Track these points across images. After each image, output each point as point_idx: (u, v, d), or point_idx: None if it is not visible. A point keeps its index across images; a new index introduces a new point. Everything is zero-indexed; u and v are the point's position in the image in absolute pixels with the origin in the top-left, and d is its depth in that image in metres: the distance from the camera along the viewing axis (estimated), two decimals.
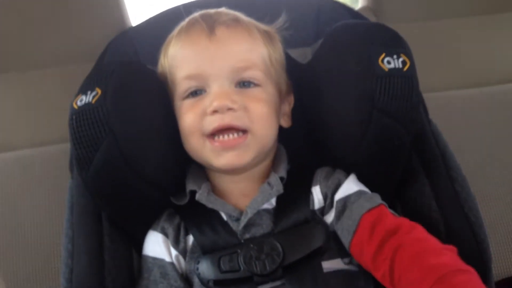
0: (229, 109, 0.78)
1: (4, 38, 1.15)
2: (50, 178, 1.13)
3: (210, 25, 0.82)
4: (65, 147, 0.94)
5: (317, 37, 0.99)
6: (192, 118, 0.81)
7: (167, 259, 0.82)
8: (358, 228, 0.76)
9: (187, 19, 0.87)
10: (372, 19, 1.22)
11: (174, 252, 0.83)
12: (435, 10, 1.27)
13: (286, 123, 0.89)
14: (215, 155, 0.80)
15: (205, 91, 0.81)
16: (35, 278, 1.06)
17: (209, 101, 0.79)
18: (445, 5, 1.27)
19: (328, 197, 0.82)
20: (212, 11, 0.87)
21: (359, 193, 0.81)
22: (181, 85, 0.83)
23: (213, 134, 0.79)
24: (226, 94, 0.79)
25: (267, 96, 0.83)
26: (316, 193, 0.83)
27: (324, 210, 0.82)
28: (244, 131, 0.80)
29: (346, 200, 0.80)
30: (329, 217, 0.81)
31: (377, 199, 0.80)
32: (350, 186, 0.82)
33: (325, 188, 0.83)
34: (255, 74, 0.82)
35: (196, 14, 0.87)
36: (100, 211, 0.88)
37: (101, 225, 0.87)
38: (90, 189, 0.84)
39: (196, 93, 0.82)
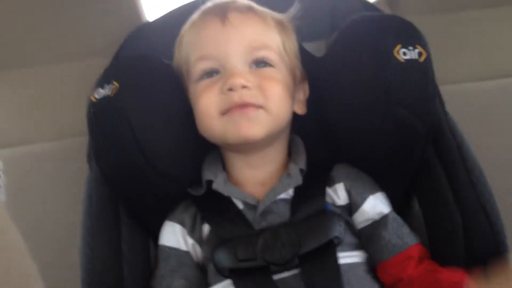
0: (244, 87, 0.79)
1: (21, 33, 1.17)
2: (67, 171, 1.14)
3: (223, 12, 0.83)
4: (82, 140, 0.96)
5: (332, 30, 0.99)
6: (207, 98, 0.81)
7: (183, 248, 0.83)
8: (405, 251, 0.79)
9: (200, 9, 0.88)
10: (388, 11, 1.21)
11: (190, 241, 0.83)
12: (450, 2, 1.26)
13: (300, 110, 0.89)
14: (228, 127, 0.79)
15: (219, 72, 0.82)
16: (52, 268, 1.08)
17: (224, 80, 0.80)
18: None
19: (356, 198, 0.83)
20: (225, 0, 0.88)
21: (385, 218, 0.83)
22: (196, 67, 0.83)
23: (228, 111, 0.80)
24: (241, 73, 0.80)
25: (281, 77, 0.84)
26: (340, 189, 0.84)
27: (351, 208, 0.83)
28: (259, 108, 0.80)
29: (387, 216, 0.83)
30: (359, 218, 0.83)
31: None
32: (378, 207, 0.84)
33: (349, 187, 0.84)
34: (269, 54, 0.83)
35: (209, 4, 0.88)
36: (117, 203, 0.89)
37: (119, 216, 0.88)
38: (108, 180, 0.86)
39: (211, 74, 0.83)
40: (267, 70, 0.83)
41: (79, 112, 0.87)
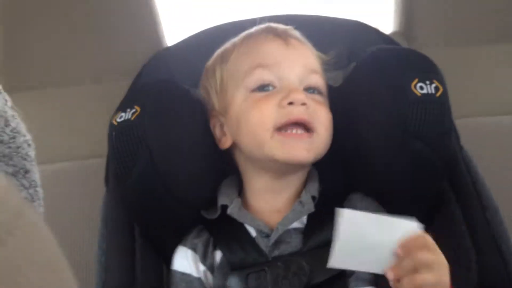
0: (303, 104, 0.80)
1: (44, 54, 1.20)
2: (84, 192, 1.15)
3: (284, 34, 0.86)
4: (100, 162, 0.97)
5: (349, 61, 1.00)
6: (263, 109, 0.80)
7: (195, 274, 0.83)
8: None
9: (251, 30, 0.90)
10: (404, 44, 1.22)
11: (202, 267, 0.83)
12: (467, 36, 1.27)
13: None
14: (281, 145, 0.79)
15: (274, 87, 0.82)
16: None
17: (284, 94, 0.80)
18: (477, 32, 1.27)
19: None
20: (279, 25, 0.90)
21: None
22: (253, 75, 0.83)
23: (281, 128, 0.80)
24: (301, 90, 0.81)
25: (327, 104, 0.86)
26: None
27: None
28: (310, 131, 0.81)
29: None
30: None
31: None
32: None
33: None
34: (321, 81, 0.85)
35: (263, 25, 0.90)
36: (133, 226, 0.90)
37: (134, 239, 0.89)
38: (125, 202, 0.87)
39: (265, 88, 0.82)
40: (318, 97, 0.84)
41: (98, 134, 0.89)
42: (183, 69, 0.97)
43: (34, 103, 1.22)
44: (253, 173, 0.87)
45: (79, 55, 1.19)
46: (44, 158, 1.23)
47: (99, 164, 0.99)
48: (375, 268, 0.67)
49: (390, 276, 0.65)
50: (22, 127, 0.50)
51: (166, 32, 1.25)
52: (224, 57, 0.88)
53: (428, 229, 0.89)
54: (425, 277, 0.64)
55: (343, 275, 0.77)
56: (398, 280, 0.65)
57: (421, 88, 0.81)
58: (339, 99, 0.92)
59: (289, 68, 0.82)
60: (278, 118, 0.79)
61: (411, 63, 0.85)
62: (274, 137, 0.79)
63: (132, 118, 0.83)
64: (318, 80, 0.85)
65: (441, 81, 0.83)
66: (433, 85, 0.82)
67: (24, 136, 0.51)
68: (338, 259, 0.65)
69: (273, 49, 0.84)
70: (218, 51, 0.91)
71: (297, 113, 0.79)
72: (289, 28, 0.89)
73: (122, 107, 0.86)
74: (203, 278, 0.83)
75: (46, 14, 1.16)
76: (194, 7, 1.78)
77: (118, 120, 0.84)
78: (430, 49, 0.92)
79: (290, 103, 0.79)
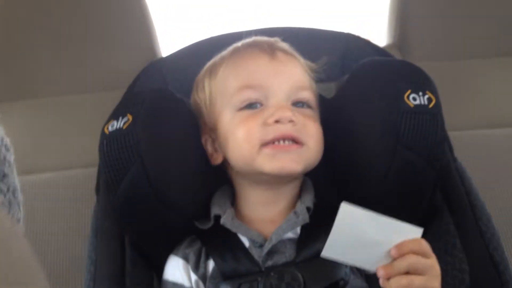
0: (291, 121, 0.80)
1: (37, 64, 1.20)
2: (75, 202, 1.14)
3: (271, 48, 0.85)
4: (92, 172, 0.97)
5: (343, 72, 1.00)
6: (250, 128, 0.80)
7: (187, 284, 0.82)
8: None
9: (238, 44, 0.89)
10: (398, 56, 1.23)
11: (194, 277, 0.82)
12: (460, 50, 1.29)
13: None
14: (269, 158, 0.79)
15: (261, 104, 0.82)
16: None
17: (270, 112, 0.80)
18: (471, 46, 1.28)
19: None
20: (265, 38, 0.90)
21: None
22: (239, 95, 0.82)
23: (271, 142, 0.79)
24: (288, 107, 0.81)
25: (317, 118, 0.85)
26: None
27: None
28: (299, 143, 0.80)
29: None
30: None
31: None
32: None
33: None
34: (309, 95, 0.85)
35: (250, 39, 0.89)
36: (123, 235, 0.89)
37: (124, 249, 0.88)
38: (116, 212, 0.86)
39: (253, 106, 0.82)
40: (307, 111, 0.84)
41: (90, 144, 0.88)
42: (177, 79, 0.97)
43: (27, 113, 1.22)
44: (245, 186, 0.87)
45: (73, 65, 1.19)
46: (36, 167, 1.23)
47: (91, 174, 0.98)
48: (368, 265, 0.68)
49: (380, 273, 0.67)
50: (1, 130, 0.50)
51: (161, 42, 1.25)
52: (212, 72, 0.89)
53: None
54: (413, 279, 0.65)
55: (336, 285, 0.77)
56: (388, 279, 0.67)
57: (414, 99, 0.82)
58: (332, 110, 0.92)
59: (276, 86, 0.82)
60: (264, 136, 0.79)
61: (404, 74, 0.86)
62: (262, 151, 0.80)
63: (124, 127, 0.83)
64: (306, 95, 0.84)
65: (434, 92, 0.83)
66: (426, 96, 0.82)
67: (2, 139, 0.50)
68: (331, 250, 0.66)
69: (259, 67, 0.84)
70: (207, 65, 0.91)
71: (284, 130, 0.79)
72: (275, 40, 0.89)
73: (114, 116, 0.86)
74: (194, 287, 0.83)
75: (40, 24, 1.16)
76: (189, 19, 1.79)
77: (110, 128, 0.84)
78: (423, 63, 0.93)
79: (277, 121, 0.79)
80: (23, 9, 1.14)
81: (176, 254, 0.85)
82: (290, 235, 0.82)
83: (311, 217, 0.83)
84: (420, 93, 0.82)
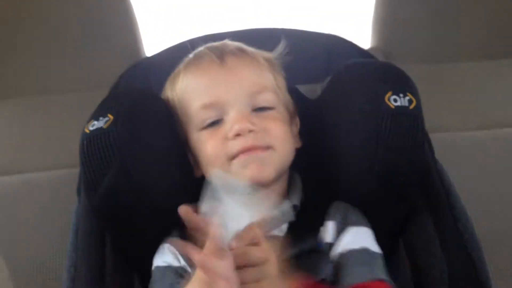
0: (250, 131, 0.80)
1: (19, 63, 1.19)
2: (56, 202, 1.13)
3: (219, 55, 0.85)
4: (73, 172, 0.96)
5: (327, 74, 1.01)
6: (214, 145, 0.81)
7: (177, 264, 0.81)
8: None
9: (192, 53, 0.90)
10: (382, 59, 1.24)
11: (182, 261, 0.81)
12: (443, 53, 1.30)
13: (297, 143, 0.90)
14: (239, 170, 0.80)
15: (222, 120, 0.83)
16: None
17: (229, 125, 0.81)
18: (455, 49, 1.29)
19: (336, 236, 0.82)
20: (216, 43, 0.90)
21: (363, 252, 0.80)
22: (198, 116, 0.83)
23: (237, 156, 0.80)
24: (246, 117, 0.81)
25: (281, 116, 0.85)
26: (332, 227, 0.83)
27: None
28: (267, 149, 0.81)
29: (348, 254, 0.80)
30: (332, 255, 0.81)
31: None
32: (357, 240, 0.81)
33: (340, 225, 0.83)
34: (268, 96, 0.84)
35: (201, 48, 0.89)
36: (104, 236, 0.88)
37: (104, 251, 0.87)
38: (97, 212, 0.85)
39: (213, 123, 0.83)
40: (268, 113, 0.84)
41: (73, 144, 0.88)
42: (161, 79, 0.97)
43: (8, 112, 1.21)
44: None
45: (56, 64, 1.18)
46: (17, 168, 1.22)
47: (73, 174, 0.97)
48: None
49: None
50: None
51: (145, 43, 1.25)
52: (173, 88, 0.89)
53: (400, 239, 0.91)
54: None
55: (322, 283, 0.77)
56: None
57: (395, 100, 0.82)
58: (316, 112, 0.93)
59: (231, 98, 0.82)
60: (229, 150, 0.80)
61: (385, 76, 0.86)
62: (232, 165, 0.80)
63: (105, 126, 0.82)
64: (265, 98, 0.84)
65: (415, 94, 0.84)
66: (407, 98, 0.83)
67: None
68: None
69: (211, 81, 0.84)
70: (169, 78, 0.91)
71: (245, 142, 0.79)
72: (224, 45, 0.88)
73: (95, 116, 0.85)
74: (184, 268, 0.81)
75: (23, 24, 1.15)
76: (174, 19, 1.79)
77: (90, 128, 0.83)
78: (407, 65, 0.93)
79: (237, 135, 0.80)
80: (5, 8, 1.13)
81: (164, 242, 0.84)
82: (275, 232, 0.82)
83: (297, 214, 0.83)
84: (401, 95, 0.83)
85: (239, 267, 0.61)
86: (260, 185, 0.80)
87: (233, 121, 0.80)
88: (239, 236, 0.63)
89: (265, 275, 0.63)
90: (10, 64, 1.17)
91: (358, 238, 0.82)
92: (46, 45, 1.17)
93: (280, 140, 0.82)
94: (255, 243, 0.63)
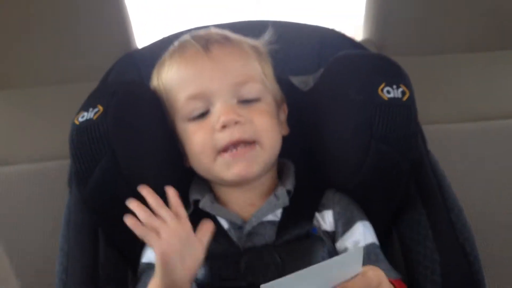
0: (236, 122, 0.79)
1: (9, 55, 1.17)
2: (47, 194, 1.13)
3: (204, 45, 0.84)
4: (64, 164, 0.95)
5: (319, 65, 1.01)
6: (202, 137, 0.81)
7: None
8: None
9: (177, 42, 0.89)
10: (374, 51, 1.23)
11: None
12: (436, 45, 1.30)
13: (285, 131, 0.90)
14: (226, 167, 0.80)
15: (209, 111, 0.82)
16: None
17: (216, 117, 0.80)
18: (446, 41, 1.30)
19: (340, 227, 0.83)
20: (201, 32, 0.89)
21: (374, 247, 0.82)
22: (185, 107, 0.83)
23: (224, 149, 0.80)
24: (232, 109, 0.80)
25: (268, 107, 0.85)
26: (328, 216, 0.84)
27: (335, 237, 0.83)
28: (252, 143, 0.81)
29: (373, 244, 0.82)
30: (346, 242, 0.82)
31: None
32: (368, 234, 0.83)
33: (338, 215, 0.84)
34: (254, 87, 0.84)
35: (186, 36, 0.89)
36: (96, 228, 0.88)
37: (97, 242, 0.87)
38: (87, 204, 0.85)
39: (199, 115, 0.83)
40: (255, 104, 0.83)
41: (63, 136, 0.87)
42: (151, 71, 0.96)
43: None
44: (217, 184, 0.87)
45: (46, 56, 1.17)
46: (8, 159, 1.21)
47: (64, 166, 0.96)
48: None
49: None
50: None
51: (136, 34, 1.24)
52: (159, 77, 0.89)
53: (394, 230, 0.91)
54: None
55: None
56: None
57: (388, 92, 0.82)
58: (309, 103, 0.92)
59: (216, 88, 0.81)
60: (216, 143, 0.80)
61: (378, 67, 0.86)
62: (218, 160, 0.81)
63: (94, 118, 0.81)
64: (251, 89, 0.83)
65: (408, 85, 0.84)
66: (400, 90, 0.83)
67: None
68: None
69: (197, 71, 0.83)
70: (156, 66, 0.90)
71: (232, 136, 0.79)
72: (208, 33, 0.87)
73: (85, 107, 0.84)
74: None
75: (13, 15, 1.14)
76: (165, 10, 1.78)
77: (80, 119, 0.83)
78: (399, 57, 0.93)
79: (224, 126, 0.79)
80: None
81: None
82: (270, 217, 0.82)
83: (291, 200, 0.83)
84: (394, 86, 0.83)
85: None
86: (244, 182, 0.81)
87: (219, 113, 0.80)
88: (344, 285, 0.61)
89: None
90: (2, 56, 1.16)
91: (368, 233, 0.83)
92: (37, 37, 1.16)
93: (266, 133, 0.82)
94: None
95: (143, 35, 1.30)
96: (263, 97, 0.84)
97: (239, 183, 0.83)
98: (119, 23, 1.20)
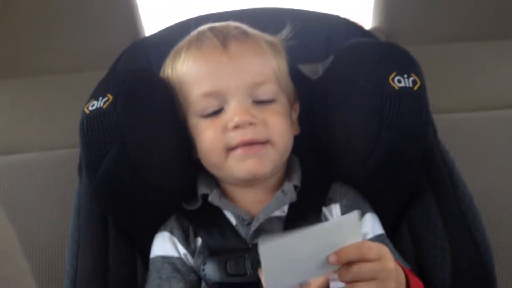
0: (250, 123, 0.79)
1: (19, 43, 1.17)
2: (58, 182, 1.13)
3: (222, 40, 0.83)
4: (74, 152, 0.96)
5: (328, 53, 1.00)
6: (213, 135, 0.81)
7: (176, 254, 0.82)
8: None
9: (195, 33, 0.88)
10: (383, 39, 1.23)
11: (182, 250, 0.82)
12: (445, 33, 1.29)
13: (295, 130, 0.89)
14: (237, 164, 0.80)
15: (222, 109, 0.82)
16: (39, 280, 1.07)
17: (230, 116, 0.80)
18: (456, 29, 1.28)
19: None
20: (219, 25, 0.88)
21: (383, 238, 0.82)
22: (199, 103, 0.82)
23: (235, 148, 0.80)
24: (246, 109, 0.80)
25: (282, 108, 0.84)
26: (336, 210, 0.84)
27: None
28: (264, 142, 0.80)
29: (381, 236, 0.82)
30: None
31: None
32: (376, 226, 0.83)
33: (345, 208, 0.83)
34: (270, 88, 0.83)
35: (204, 28, 0.88)
36: (106, 216, 0.88)
37: (107, 230, 0.87)
38: (97, 193, 0.85)
39: (212, 112, 0.82)
40: (269, 106, 0.83)
41: (73, 124, 0.87)
42: (161, 59, 0.96)
43: (8, 92, 1.20)
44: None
45: (56, 45, 1.17)
46: (18, 147, 1.21)
47: (73, 154, 0.97)
48: (316, 273, 0.63)
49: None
50: None
51: (145, 22, 1.23)
52: (174, 65, 0.88)
53: (403, 220, 0.91)
54: (363, 287, 0.62)
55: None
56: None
57: (399, 81, 0.81)
58: (317, 92, 0.92)
59: (232, 87, 0.80)
60: (228, 142, 0.80)
61: (389, 56, 0.85)
62: (229, 157, 0.80)
63: (104, 106, 0.81)
64: (266, 91, 0.82)
65: (419, 75, 0.83)
66: (411, 79, 0.82)
67: None
68: (271, 284, 0.61)
69: (213, 68, 0.82)
70: (171, 54, 0.89)
71: (244, 135, 0.79)
72: (227, 28, 0.86)
73: (94, 95, 0.84)
74: (184, 258, 0.82)
75: (24, 5, 1.13)
76: (177, 3, 1.76)
77: (90, 108, 0.82)
78: (409, 46, 0.92)
79: (237, 126, 0.79)
80: None
81: (161, 230, 0.85)
82: (277, 213, 0.82)
83: (298, 194, 0.83)
84: (405, 75, 0.82)
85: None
86: (254, 180, 0.81)
87: (233, 113, 0.80)
88: (338, 252, 0.61)
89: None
90: (11, 44, 1.16)
91: (376, 225, 0.83)
92: (46, 25, 1.15)
93: (279, 135, 0.81)
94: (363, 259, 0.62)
95: (151, 23, 1.30)
96: (278, 98, 0.84)
97: (249, 182, 0.82)
98: (127, 11, 1.19)
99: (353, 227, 0.62)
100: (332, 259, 0.61)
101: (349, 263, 0.61)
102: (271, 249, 0.59)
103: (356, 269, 0.61)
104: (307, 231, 0.60)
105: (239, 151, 0.79)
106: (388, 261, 0.63)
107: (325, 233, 0.61)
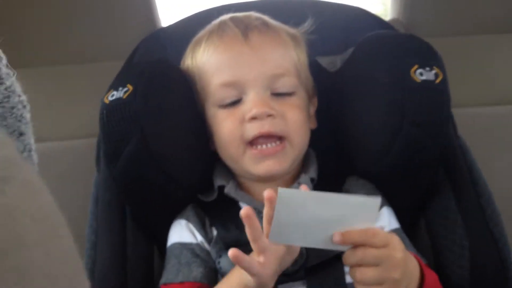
0: (268, 115, 0.79)
1: (38, 33, 1.18)
2: (75, 171, 1.14)
3: (243, 30, 0.82)
4: (92, 142, 0.96)
5: (347, 46, 0.99)
6: (231, 126, 0.81)
7: (194, 241, 0.82)
8: None
9: (216, 22, 0.87)
10: (402, 31, 1.21)
11: (199, 237, 0.83)
12: (465, 26, 1.26)
13: (313, 124, 0.89)
14: (254, 162, 0.80)
15: (241, 99, 0.81)
16: None
17: (248, 107, 0.80)
18: (476, 22, 1.26)
19: None
20: (240, 15, 0.87)
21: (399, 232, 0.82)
22: (218, 93, 0.82)
23: (253, 142, 0.80)
24: (265, 101, 0.79)
25: (300, 102, 0.84)
26: None
27: None
28: (281, 138, 0.80)
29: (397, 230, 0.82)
30: None
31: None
32: (392, 220, 0.83)
33: None
34: (290, 81, 0.82)
35: (225, 18, 0.87)
36: (124, 206, 0.89)
37: (125, 220, 0.88)
38: (117, 182, 0.86)
39: (230, 103, 0.82)
40: (288, 98, 0.82)
41: (90, 114, 0.87)
42: (178, 49, 0.96)
43: (26, 82, 1.20)
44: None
45: (73, 34, 1.17)
46: (37, 136, 1.21)
47: (91, 144, 0.97)
48: (320, 243, 0.63)
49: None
50: (18, 87, 0.48)
51: (162, 13, 1.23)
52: (194, 54, 0.87)
53: (422, 216, 0.90)
54: (365, 272, 0.61)
55: (339, 259, 0.77)
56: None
57: (421, 74, 0.80)
58: (337, 84, 0.91)
59: (252, 78, 0.80)
60: (245, 133, 0.80)
61: (411, 48, 0.84)
62: (247, 153, 0.80)
63: (124, 97, 0.81)
64: (286, 83, 0.82)
65: (441, 68, 0.82)
66: (433, 72, 0.81)
67: (20, 96, 0.48)
68: (277, 235, 0.62)
69: (234, 58, 0.82)
70: (191, 43, 0.89)
71: (262, 127, 0.78)
72: (249, 18, 0.85)
73: (114, 86, 0.84)
74: (201, 245, 0.82)
75: None
76: None
77: (110, 98, 0.83)
78: (428, 38, 0.91)
79: (255, 118, 0.78)
80: None
81: (178, 218, 0.86)
82: None
83: (314, 188, 0.83)
84: (427, 68, 0.81)
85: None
86: (273, 177, 0.81)
87: (252, 104, 0.79)
88: (345, 234, 0.61)
89: (386, 277, 0.62)
90: (30, 33, 1.16)
91: (392, 219, 0.83)
92: (65, 15, 1.15)
93: (296, 129, 0.81)
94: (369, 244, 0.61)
95: (168, 13, 1.29)
96: (296, 91, 0.83)
97: (266, 179, 0.82)
98: (145, 2, 1.19)
99: (371, 212, 0.61)
100: (337, 238, 0.60)
101: (354, 247, 0.61)
102: (289, 197, 0.60)
103: (361, 253, 0.61)
104: (328, 194, 0.60)
105: (256, 152, 0.79)
106: (395, 250, 0.63)
107: (343, 205, 0.61)
